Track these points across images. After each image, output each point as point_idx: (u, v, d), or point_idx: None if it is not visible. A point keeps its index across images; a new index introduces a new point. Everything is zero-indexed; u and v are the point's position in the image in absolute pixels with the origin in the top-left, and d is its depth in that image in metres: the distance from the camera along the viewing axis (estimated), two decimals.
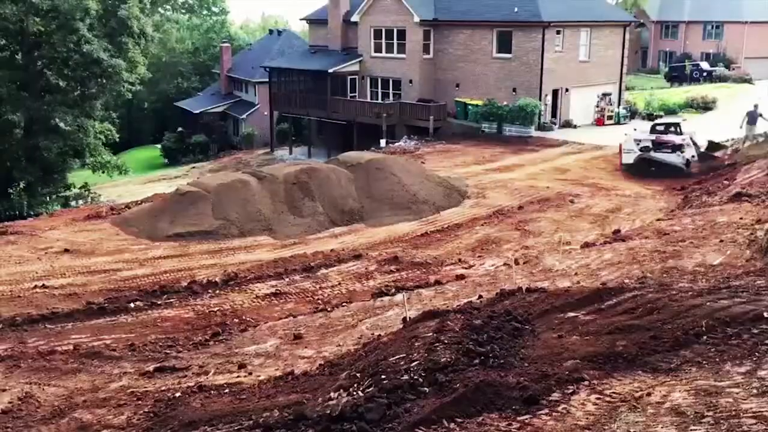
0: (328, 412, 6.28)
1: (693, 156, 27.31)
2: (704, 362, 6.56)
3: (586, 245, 17.09)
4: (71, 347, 12.26)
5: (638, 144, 27.73)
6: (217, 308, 14.54)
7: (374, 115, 40.81)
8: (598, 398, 6.15)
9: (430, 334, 7.78)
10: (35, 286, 15.74)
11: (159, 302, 14.86)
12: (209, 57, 73.60)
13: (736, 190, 20.50)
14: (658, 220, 19.64)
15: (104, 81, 37.07)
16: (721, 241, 14.77)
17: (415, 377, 6.61)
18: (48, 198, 38.69)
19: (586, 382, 6.42)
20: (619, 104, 41.43)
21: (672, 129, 28.62)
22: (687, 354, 6.82)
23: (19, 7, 35.52)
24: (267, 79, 50.07)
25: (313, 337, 11.90)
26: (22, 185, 38.48)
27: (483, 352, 7.13)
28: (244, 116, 57.66)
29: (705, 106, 44.08)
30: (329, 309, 13.67)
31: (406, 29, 41.35)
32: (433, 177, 25.72)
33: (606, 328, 7.90)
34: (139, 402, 9.56)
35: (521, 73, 37.81)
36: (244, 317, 13.92)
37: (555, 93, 38.84)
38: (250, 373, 10.26)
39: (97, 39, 36.22)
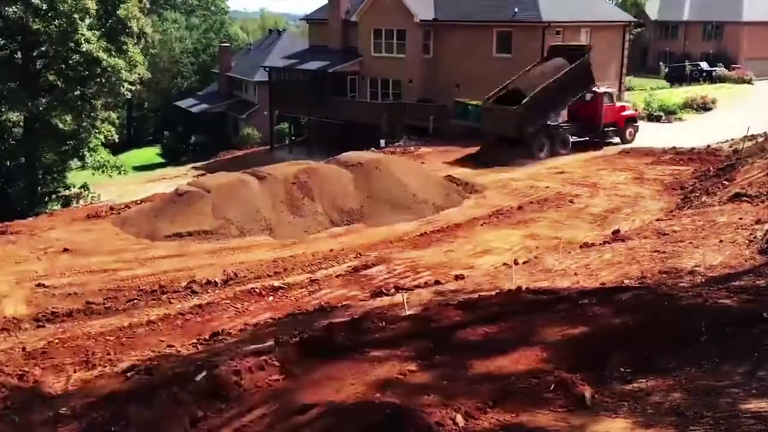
0: None
1: None
2: (704, 362, 6.55)
3: (586, 245, 17.11)
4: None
5: None
6: (216, 308, 14.53)
7: (374, 115, 40.81)
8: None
9: None
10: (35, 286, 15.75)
11: (159, 302, 14.88)
12: (209, 57, 73.64)
13: (735, 191, 20.52)
14: (657, 220, 19.65)
15: (103, 81, 37.08)
16: (721, 241, 14.77)
17: None
18: (48, 198, 38.73)
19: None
20: None
21: None
22: (687, 354, 6.82)
23: (19, 7, 35.54)
24: (267, 79, 50.09)
25: None
26: (21, 185, 38.49)
27: None
28: (243, 116, 57.68)
29: (704, 107, 44.11)
30: (329, 309, 13.66)
31: (406, 29, 41.35)
32: (432, 177, 25.73)
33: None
34: None
35: None
36: (243, 317, 13.92)
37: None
38: None
39: (97, 38, 36.23)
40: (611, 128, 34.57)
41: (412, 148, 35.40)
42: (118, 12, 37.72)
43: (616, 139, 34.70)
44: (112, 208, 23.94)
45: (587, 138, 33.88)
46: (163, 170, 52.26)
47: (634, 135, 35.27)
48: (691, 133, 35.11)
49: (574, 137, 33.26)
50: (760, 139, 28.46)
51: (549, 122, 32.52)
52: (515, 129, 31.36)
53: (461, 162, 31.24)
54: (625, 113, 35.42)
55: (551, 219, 21.45)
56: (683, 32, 72.92)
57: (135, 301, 15.00)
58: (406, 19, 40.98)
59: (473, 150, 33.36)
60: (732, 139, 30.14)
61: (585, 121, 33.68)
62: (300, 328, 10.76)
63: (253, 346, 10.14)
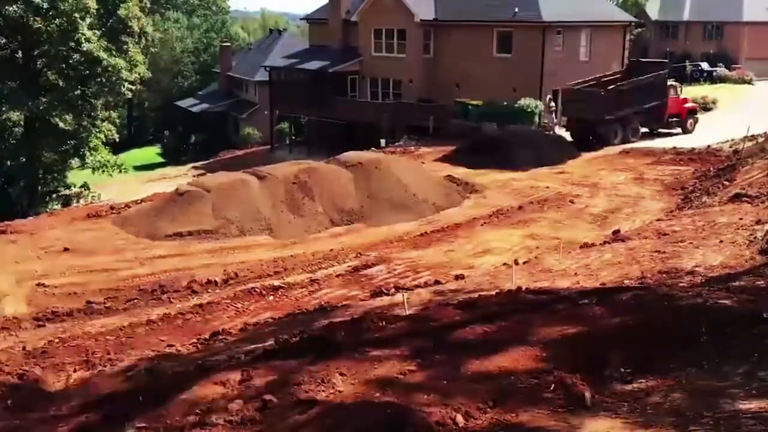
0: None
1: None
2: (704, 362, 6.55)
3: (586, 245, 17.11)
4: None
5: None
6: (216, 308, 14.54)
7: (374, 115, 40.80)
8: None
9: None
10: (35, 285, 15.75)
11: (159, 301, 14.89)
12: (210, 56, 73.68)
13: (735, 191, 20.52)
14: (657, 220, 19.66)
15: (104, 80, 37.10)
16: (721, 241, 14.77)
17: None
18: (48, 197, 38.74)
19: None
20: None
21: None
22: (687, 354, 6.82)
23: (20, 6, 35.57)
24: (267, 79, 50.09)
25: None
26: (22, 184, 38.50)
27: None
28: (244, 116, 57.69)
29: (705, 107, 44.09)
30: (329, 309, 13.66)
31: (407, 29, 41.35)
32: (432, 177, 25.74)
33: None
34: None
35: (522, 73, 37.80)
36: (243, 317, 13.93)
37: (555, 93, 38.85)
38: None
39: (97, 38, 36.25)
40: (675, 119, 36.08)
41: (412, 148, 35.40)
42: (118, 12, 37.74)
43: (678, 130, 36.09)
44: (112, 208, 23.95)
45: (653, 127, 35.64)
46: (164, 170, 52.27)
47: (695, 126, 36.70)
48: (692, 133, 35.13)
49: (642, 127, 35.07)
50: (760, 139, 28.44)
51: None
52: (596, 112, 32.87)
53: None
54: (687, 105, 37.04)
55: (551, 219, 21.45)
56: (683, 32, 72.84)
57: (135, 300, 15.02)
58: (407, 19, 40.97)
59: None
60: (732, 140, 30.12)
61: (651, 112, 34.98)
62: (300, 328, 10.76)
63: (253, 346, 10.16)
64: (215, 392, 7.25)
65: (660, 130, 35.77)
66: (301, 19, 60.66)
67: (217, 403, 6.95)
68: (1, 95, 35.88)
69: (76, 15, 35.12)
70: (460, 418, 5.87)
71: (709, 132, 33.81)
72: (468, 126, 37.50)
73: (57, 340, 12.78)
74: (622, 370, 6.66)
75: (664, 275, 12.46)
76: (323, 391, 6.81)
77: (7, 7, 35.53)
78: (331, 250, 18.77)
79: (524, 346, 7.46)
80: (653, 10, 73.93)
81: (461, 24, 40.50)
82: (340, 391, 6.80)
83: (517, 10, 37.99)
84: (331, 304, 14.08)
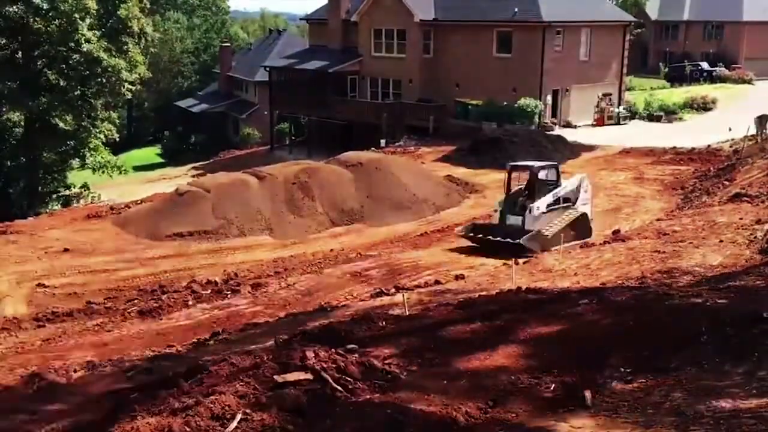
0: None
1: None
2: (704, 362, 6.55)
3: (586, 245, 17.12)
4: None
5: None
6: (216, 308, 14.54)
7: (374, 115, 40.78)
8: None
9: None
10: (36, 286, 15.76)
11: (159, 302, 14.88)
12: (209, 57, 73.65)
13: (735, 191, 20.52)
14: (657, 220, 19.66)
15: (104, 80, 37.06)
16: (721, 241, 14.78)
17: None
18: (48, 198, 38.71)
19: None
20: (619, 104, 41.43)
21: None
22: (687, 354, 6.81)
23: (20, 6, 35.55)
24: (267, 79, 50.07)
25: None
26: (22, 185, 38.48)
27: None
28: (244, 116, 57.66)
29: (705, 107, 44.07)
30: (329, 309, 13.66)
31: (406, 29, 41.34)
32: (432, 177, 25.74)
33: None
34: None
35: (521, 73, 37.78)
36: (243, 317, 13.92)
37: (555, 93, 38.84)
38: None
39: (97, 38, 36.22)
40: None
41: (412, 148, 35.40)
42: (118, 12, 37.70)
43: None
44: (112, 208, 23.96)
45: None
46: (163, 170, 52.24)
47: None
48: (692, 133, 35.08)
49: None
50: (760, 139, 28.42)
51: None
52: None
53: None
54: None
55: None
56: (683, 32, 72.81)
57: (135, 300, 15.02)
58: (406, 19, 40.96)
59: None
60: (732, 139, 30.11)
61: None
62: (300, 328, 10.76)
63: (253, 346, 10.15)
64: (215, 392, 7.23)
65: None
66: (300, 19, 60.67)
67: (216, 403, 6.94)
68: (1, 95, 35.83)
69: (76, 15, 35.06)
70: (460, 418, 5.87)
71: (709, 132, 33.77)
72: (468, 126, 37.49)
73: (57, 341, 12.78)
74: (622, 370, 6.66)
75: (664, 275, 12.46)
76: None
77: (7, 8, 35.50)
78: (331, 250, 18.78)
79: (524, 346, 7.46)
80: (653, 10, 73.91)
81: (461, 24, 40.48)
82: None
83: (517, 10, 37.97)
84: (331, 304, 14.08)
